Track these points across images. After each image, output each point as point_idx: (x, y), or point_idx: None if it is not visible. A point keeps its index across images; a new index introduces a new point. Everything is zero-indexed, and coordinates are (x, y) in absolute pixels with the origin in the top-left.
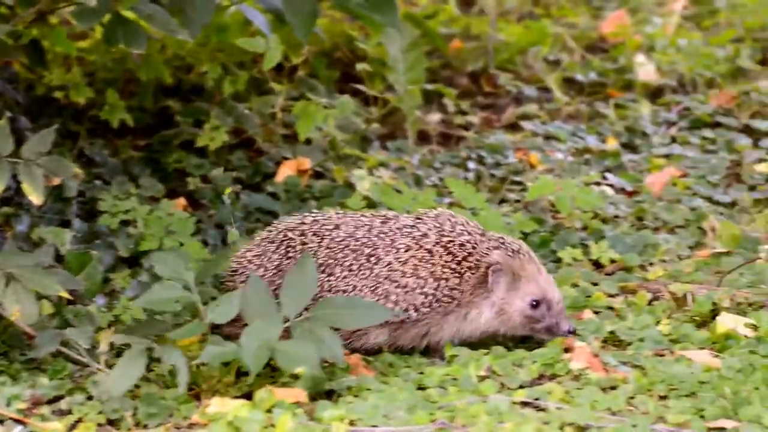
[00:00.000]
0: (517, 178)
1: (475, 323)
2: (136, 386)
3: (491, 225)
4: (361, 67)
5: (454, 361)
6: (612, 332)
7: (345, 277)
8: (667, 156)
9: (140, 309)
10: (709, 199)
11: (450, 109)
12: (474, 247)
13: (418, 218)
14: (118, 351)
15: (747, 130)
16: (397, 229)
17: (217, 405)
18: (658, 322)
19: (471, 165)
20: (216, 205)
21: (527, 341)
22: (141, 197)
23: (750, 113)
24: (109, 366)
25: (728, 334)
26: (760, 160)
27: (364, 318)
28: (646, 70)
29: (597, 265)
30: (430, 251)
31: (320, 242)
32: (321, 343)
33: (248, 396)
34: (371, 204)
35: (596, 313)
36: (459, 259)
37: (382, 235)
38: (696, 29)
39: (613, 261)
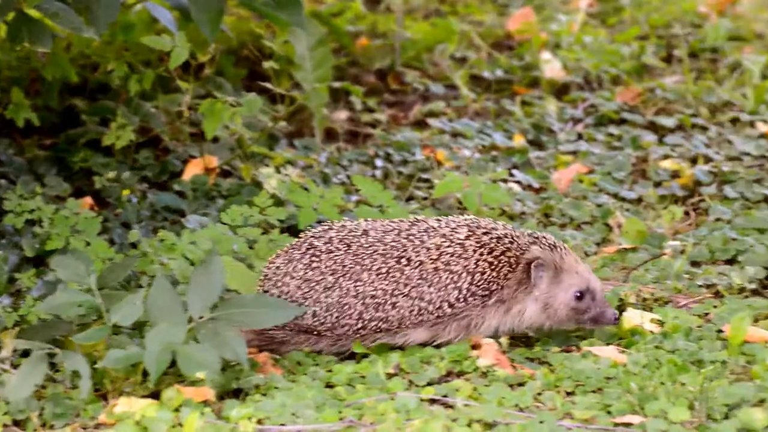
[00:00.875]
0: (425, 176)
1: (519, 318)
2: (42, 386)
3: None
4: (268, 65)
5: (362, 359)
6: None
7: (373, 282)
8: (573, 153)
9: None
10: (615, 196)
11: (357, 106)
12: (512, 242)
13: (444, 220)
14: (24, 351)
15: (652, 127)
16: (425, 230)
17: (124, 405)
18: None
19: (378, 162)
20: (123, 204)
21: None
22: (47, 196)
23: (655, 110)
24: (15, 366)
25: (634, 329)
26: (665, 157)
27: (271, 317)
28: (552, 68)
29: None
30: (462, 245)
31: (347, 249)
32: (225, 344)
33: (156, 395)
34: (279, 202)
35: None
36: (497, 253)
37: (411, 237)
38: (601, 26)
39: None
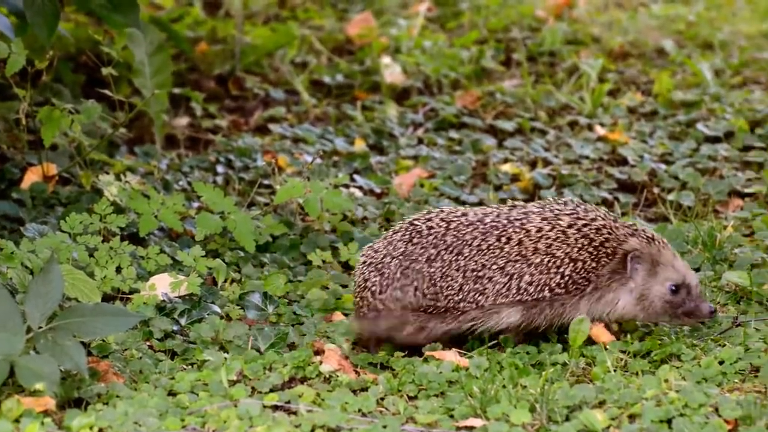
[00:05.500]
0: (266, 181)
1: (611, 307)
2: None
3: (241, 229)
4: (106, 71)
5: (205, 366)
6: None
7: (473, 256)
8: (414, 157)
9: None
10: (456, 199)
11: (198, 112)
12: (610, 233)
13: (546, 205)
14: None
15: (492, 131)
16: (525, 213)
17: None
18: None
19: (220, 169)
20: None
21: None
22: None
23: (494, 114)
24: None
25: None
26: (505, 160)
27: (110, 326)
28: (392, 72)
29: (346, 266)
30: (564, 232)
31: (447, 227)
32: (64, 354)
33: None
34: (119, 210)
35: (346, 315)
36: (596, 243)
37: (512, 219)
38: (440, 31)
39: None
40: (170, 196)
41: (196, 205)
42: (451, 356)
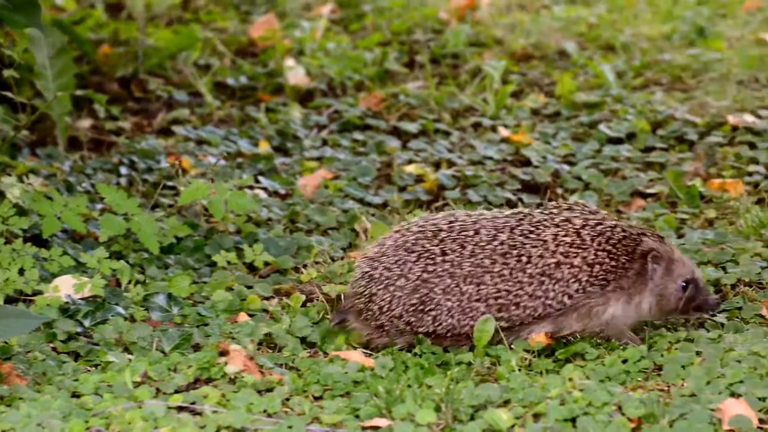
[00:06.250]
0: (170, 183)
1: (638, 309)
2: None
3: (145, 231)
4: (8, 73)
5: (109, 368)
6: (268, 335)
7: (496, 285)
8: (318, 159)
9: None
10: (361, 201)
11: (101, 114)
12: (624, 231)
13: (553, 211)
14: None
15: (396, 132)
16: (536, 222)
17: None
18: (313, 324)
19: (123, 170)
20: None
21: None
22: None
23: (398, 115)
24: None
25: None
26: (410, 162)
27: (13, 328)
28: (295, 74)
29: (251, 268)
30: (578, 234)
31: (462, 251)
32: None
33: None
34: (22, 212)
35: (251, 316)
36: (614, 241)
37: (525, 232)
38: (344, 33)
39: (267, 264)
40: (73, 197)
41: (99, 206)
42: (357, 356)
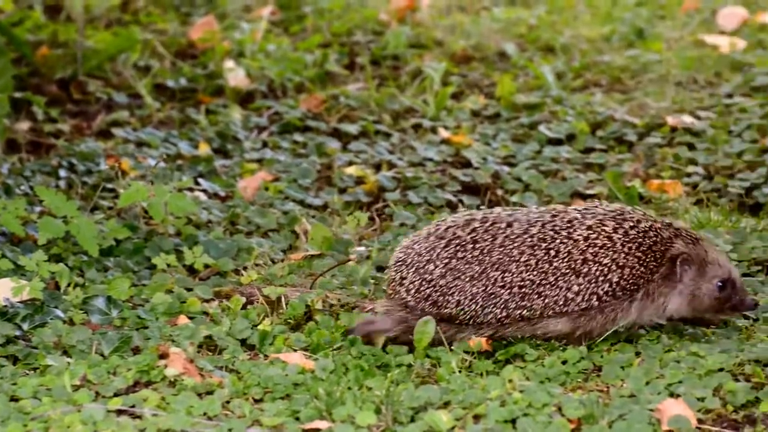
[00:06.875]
0: (110, 185)
1: (661, 309)
2: None
3: (84, 233)
4: None
5: (48, 371)
6: (208, 337)
7: (521, 273)
8: (259, 160)
9: None
10: (301, 203)
11: (39, 117)
12: (656, 235)
13: (587, 209)
14: None
15: (336, 134)
16: (570, 221)
17: None
18: (253, 326)
19: (62, 173)
20: None
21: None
22: None
23: (338, 117)
24: None
25: (321, 334)
26: (350, 163)
27: None
28: (236, 76)
29: (191, 270)
30: (610, 238)
31: (493, 240)
32: None
33: None
34: None
35: (191, 318)
36: (644, 248)
37: (557, 228)
38: (284, 35)
39: (207, 266)
40: (12, 200)
41: (38, 209)
42: (297, 358)
